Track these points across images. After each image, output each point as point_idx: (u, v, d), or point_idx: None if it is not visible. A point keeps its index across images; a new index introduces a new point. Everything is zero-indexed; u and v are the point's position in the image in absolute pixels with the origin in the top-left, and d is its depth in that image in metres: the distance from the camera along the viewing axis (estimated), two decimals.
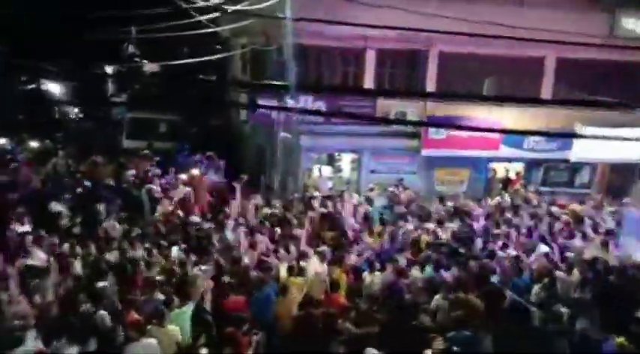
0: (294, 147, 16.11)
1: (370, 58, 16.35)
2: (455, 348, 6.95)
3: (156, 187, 13.16)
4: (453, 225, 12.45)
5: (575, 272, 9.82)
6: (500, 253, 10.41)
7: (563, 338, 8.00)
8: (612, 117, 13.94)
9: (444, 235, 11.79)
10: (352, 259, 10.13)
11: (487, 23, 12.13)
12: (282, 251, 10.24)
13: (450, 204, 14.20)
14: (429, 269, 9.63)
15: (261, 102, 14.15)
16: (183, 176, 14.21)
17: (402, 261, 9.83)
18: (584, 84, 16.08)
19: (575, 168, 17.72)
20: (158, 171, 14.38)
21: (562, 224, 12.52)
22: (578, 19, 15.51)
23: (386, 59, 16.65)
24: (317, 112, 14.97)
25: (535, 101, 14.54)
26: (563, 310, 8.43)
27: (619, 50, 14.77)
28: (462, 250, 10.83)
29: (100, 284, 7.89)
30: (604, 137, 15.49)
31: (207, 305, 7.95)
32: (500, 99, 13.11)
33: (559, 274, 9.71)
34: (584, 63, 16.41)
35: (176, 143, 19.17)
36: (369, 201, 14.21)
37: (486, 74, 16.44)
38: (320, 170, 17.44)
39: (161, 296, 7.79)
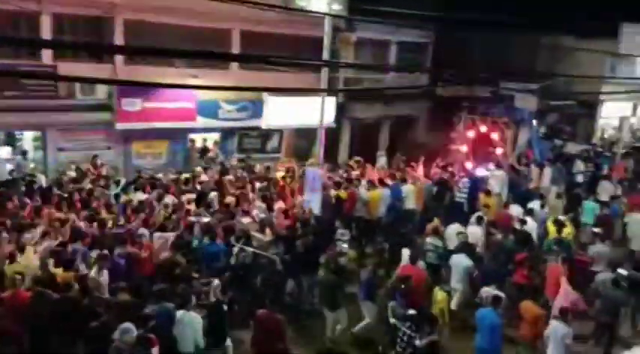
0: None
1: (46, 23, 14.60)
2: None
3: None
4: None
5: (268, 232, 10.79)
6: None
7: None
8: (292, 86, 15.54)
9: None
10: None
11: None
12: None
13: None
14: None
15: None
16: None
17: None
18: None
19: (266, 134, 19.14)
20: None
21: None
22: None
23: (65, 25, 15.10)
24: None
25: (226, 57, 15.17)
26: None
27: (294, 25, 16.46)
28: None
29: None
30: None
31: None
32: (190, 54, 13.05)
33: (254, 234, 10.53)
34: (265, 36, 17.68)
35: None
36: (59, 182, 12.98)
37: (176, 45, 16.32)
38: None
39: None
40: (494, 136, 17.31)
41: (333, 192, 13.49)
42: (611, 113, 25.18)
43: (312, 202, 12.34)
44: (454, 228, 11.51)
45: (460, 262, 10.10)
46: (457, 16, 18.19)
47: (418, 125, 22.93)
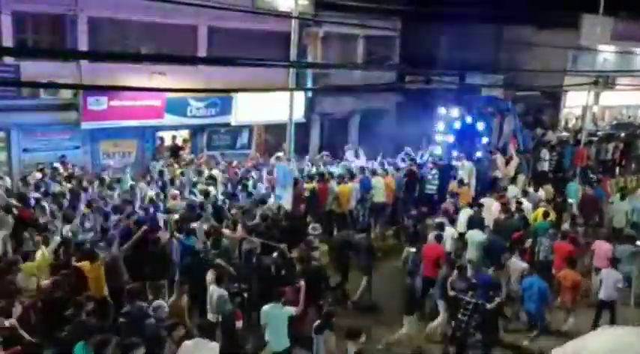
0: None
1: (6, 21, 14.24)
2: None
3: None
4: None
5: (239, 229, 10.80)
6: None
7: None
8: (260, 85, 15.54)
9: None
10: None
11: None
12: None
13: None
14: None
15: None
16: None
17: None
18: (232, 51, 17.31)
19: (236, 131, 19.08)
20: None
21: None
22: None
23: (27, 24, 14.79)
24: None
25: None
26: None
27: (261, 21, 16.45)
28: None
29: None
30: None
31: None
32: (157, 58, 13.01)
33: (225, 231, 10.55)
34: (232, 32, 17.60)
35: None
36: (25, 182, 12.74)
37: (142, 43, 16.19)
38: None
39: None
40: (479, 125, 17.59)
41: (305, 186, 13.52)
42: (574, 103, 25.87)
43: (282, 198, 12.38)
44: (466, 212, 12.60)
45: (475, 236, 11.23)
46: (422, 10, 18.43)
47: (388, 118, 23.13)
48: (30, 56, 13.87)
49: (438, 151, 17.69)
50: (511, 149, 17.21)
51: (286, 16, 14.51)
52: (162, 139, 17.71)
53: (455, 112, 17.75)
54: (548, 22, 23.55)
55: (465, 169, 15.58)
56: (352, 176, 14.30)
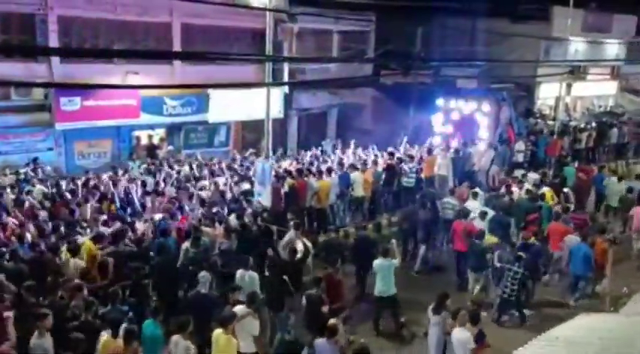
0: None
1: None
2: None
3: None
4: None
5: (217, 226, 10.77)
6: None
7: None
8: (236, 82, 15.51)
9: None
10: None
11: None
12: None
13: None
14: None
15: None
16: None
17: None
18: (207, 48, 17.28)
19: (213, 129, 18.97)
20: None
21: None
22: None
23: None
24: None
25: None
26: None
27: (235, 17, 16.39)
28: None
29: None
30: None
31: None
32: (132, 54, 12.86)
33: (206, 229, 10.49)
34: (206, 29, 17.48)
35: None
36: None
37: (114, 40, 16.00)
38: None
39: None
40: (479, 116, 17.94)
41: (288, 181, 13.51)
42: (548, 94, 26.28)
43: (261, 194, 12.35)
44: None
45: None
46: (396, 4, 18.51)
47: (365, 113, 23.22)
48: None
49: (437, 141, 17.97)
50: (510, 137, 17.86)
51: (261, 9, 14.43)
52: (138, 138, 17.52)
53: (453, 103, 18.22)
54: (521, 14, 23.87)
55: (444, 161, 15.71)
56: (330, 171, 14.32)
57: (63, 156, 15.94)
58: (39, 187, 12.44)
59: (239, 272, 8.67)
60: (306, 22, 19.73)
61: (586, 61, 26.28)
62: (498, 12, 23.05)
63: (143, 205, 12.27)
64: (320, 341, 7.06)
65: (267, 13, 14.92)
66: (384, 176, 14.92)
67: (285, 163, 15.80)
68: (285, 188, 13.13)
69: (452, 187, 14.19)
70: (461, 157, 16.43)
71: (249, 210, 11.59)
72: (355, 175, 14.24)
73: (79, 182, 13.08)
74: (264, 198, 12.24)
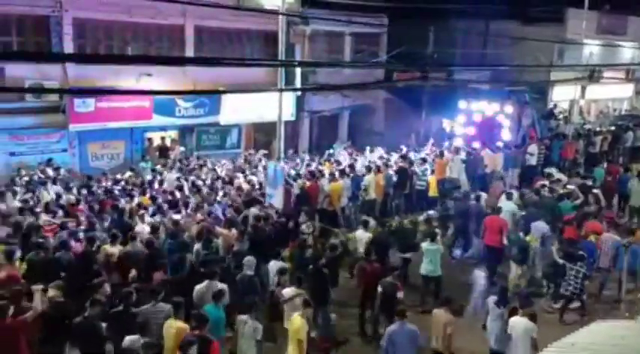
0: None
1: None
2: None
3: None
4: None
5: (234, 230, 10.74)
6: None
7: None
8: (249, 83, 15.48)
9: None
10: None
11: None
12: None
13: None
14: None
15: None
16: None
17: None
18: (220, 50, 17.30)
19: (225, 130, 19.00)
20: None
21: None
22: None
23: (10, 26, 14.61)
24: None
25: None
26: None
27: (248, 19, 16.41)
28: None
29: None
30: None
31: None
32: (145, 59, 12.85)
33: (220, 230, 10.47)
34: (219, 31, 17.53)
35: None
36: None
37: (130, 43, 16.09)
38: None
39: None
40: (501, 118, 17.85)
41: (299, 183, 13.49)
42: (561, 97, 26.01)
43: (273, 196, 12.34)
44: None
45: (507, 206, 12.37)
46: (409, 6, 18.44)
47: (377, 114, 23.16)
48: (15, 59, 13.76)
49: (458, 142, 17.89)
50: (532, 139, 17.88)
51: (274, 12, 14.45)
52: (150, 139, 17.60)
53: (475, 105, 18.19)
54: (534, 16, 23.68)
55: (454, 164, 15.61)
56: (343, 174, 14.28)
57: (77, 157, 16.04)
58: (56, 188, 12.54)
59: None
60: (318, 24, 19.72)
61: (602, 66, 25.95)
62: (512, 14, 22.90)
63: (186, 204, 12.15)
64: (392, 327, 7.38)
65: (280, 15, 14.96)
66: (395, 179, 14.86)
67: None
68: (297, 190, 13.12)
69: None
70: (472, 159, 16.31)
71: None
72: (368, 178, 14.19)
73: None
74: (275, 200, 12.22)
